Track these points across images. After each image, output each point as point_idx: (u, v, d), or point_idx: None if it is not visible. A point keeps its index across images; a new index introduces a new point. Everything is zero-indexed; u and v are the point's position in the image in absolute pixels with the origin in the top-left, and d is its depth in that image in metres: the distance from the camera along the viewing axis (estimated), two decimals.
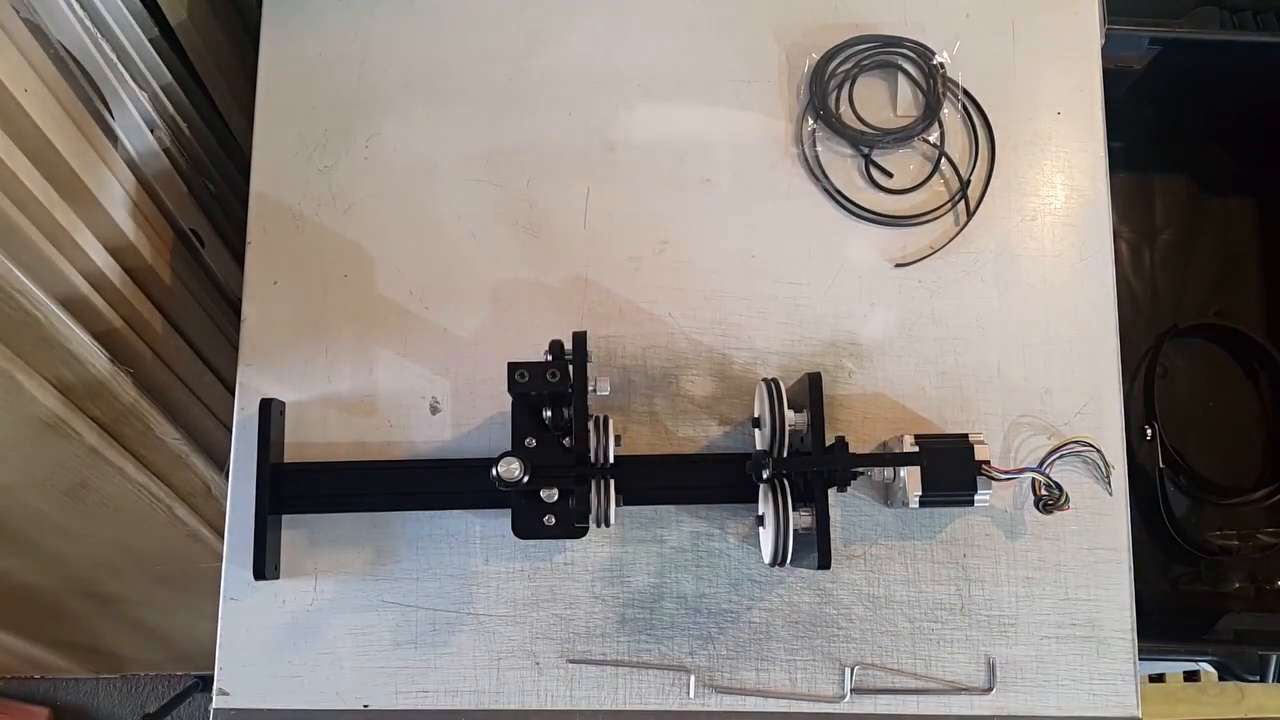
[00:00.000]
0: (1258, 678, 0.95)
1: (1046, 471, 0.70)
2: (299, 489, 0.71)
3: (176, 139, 0.83)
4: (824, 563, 0.63)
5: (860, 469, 0.65)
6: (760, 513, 0.65)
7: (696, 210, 0.77)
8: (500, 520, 0.72)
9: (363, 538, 0.72)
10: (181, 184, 0.84)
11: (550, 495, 0.64)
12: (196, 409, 0.91)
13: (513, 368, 0.63)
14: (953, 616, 0.72)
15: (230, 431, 0.74)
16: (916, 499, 0.67)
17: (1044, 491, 0.70)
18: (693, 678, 0.71)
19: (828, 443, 0.66)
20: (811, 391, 0.64)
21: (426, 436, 0.74)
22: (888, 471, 0.70)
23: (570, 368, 0.63)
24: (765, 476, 0.63)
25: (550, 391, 0.63)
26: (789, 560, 0.62)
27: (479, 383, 0.74)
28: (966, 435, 0.68)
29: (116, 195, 0.75)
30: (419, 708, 0.71)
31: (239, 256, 0.78)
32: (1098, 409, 0.75)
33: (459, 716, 0.71)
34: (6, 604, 1.04)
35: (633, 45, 0.80)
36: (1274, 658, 0.95)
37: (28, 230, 0.65)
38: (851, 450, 0.65)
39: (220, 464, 0.94)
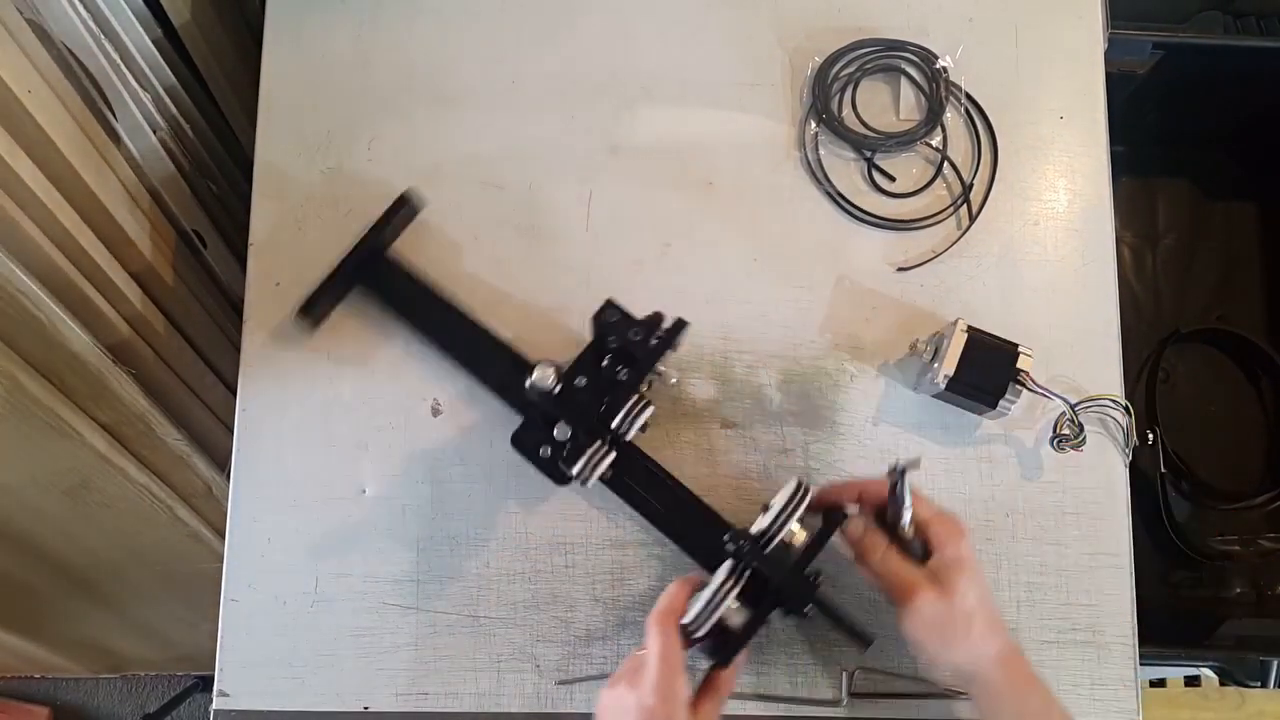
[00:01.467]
0: (1259, 683, 0.95)
1: (1077, 408, 0.70)
2: (381, 274, 0.73)
3: (179, 140, 0.83)
4: (724, 662, 0.61)
5: (814, 600, 0.62)
6: (707, 580, 0.62)
7: (699, 213, 0.77)
8: (500, 520, 0.72)
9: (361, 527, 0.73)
10: (184, 185, 0.85)
11: (563, 434, 0.64)
12: (198, 410, 0.91)
13: (609, 305, 0.64)
14: None
15: (231, 432, 0.74)
16: (945, 379, 0.68)
17: (1065, 430, 0.71)
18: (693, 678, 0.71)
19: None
20: (823, 526, 0.63)
21: (428, 437, 0.74)
22: (926, 351, 0.70)
23: (655, 341, 0.64)
24: (732, 551, 0.62)
25: (624, 344, 0.64)
26: (699, 635, 0.59)
27: (481, 385, 0.74)
28: (1017, 345, 0.69)
29: (119, 196, 0.75)
30: (419, 709, 0.71)
31: (241, 257, 0.78)
32: (1099, 413, 0.74)
33: (459, 718, 0.71)
34: (6, 604, 1.04)
35: (636, 48, 0.80)
36: (1275, 663, 0.95)
37: (30, 230, 0.65)
38: (821, 588, 0.62)
39: (222, 465, 0.94)
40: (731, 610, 0.60)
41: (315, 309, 0.71)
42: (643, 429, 0.66)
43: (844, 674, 0.71)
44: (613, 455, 0.65)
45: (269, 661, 0.71)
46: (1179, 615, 1.03)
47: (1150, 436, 1.05)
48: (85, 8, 0.69)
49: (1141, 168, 1.14)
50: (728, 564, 0.61)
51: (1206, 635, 0.94)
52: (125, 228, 0.75)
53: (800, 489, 0.62)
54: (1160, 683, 1.06)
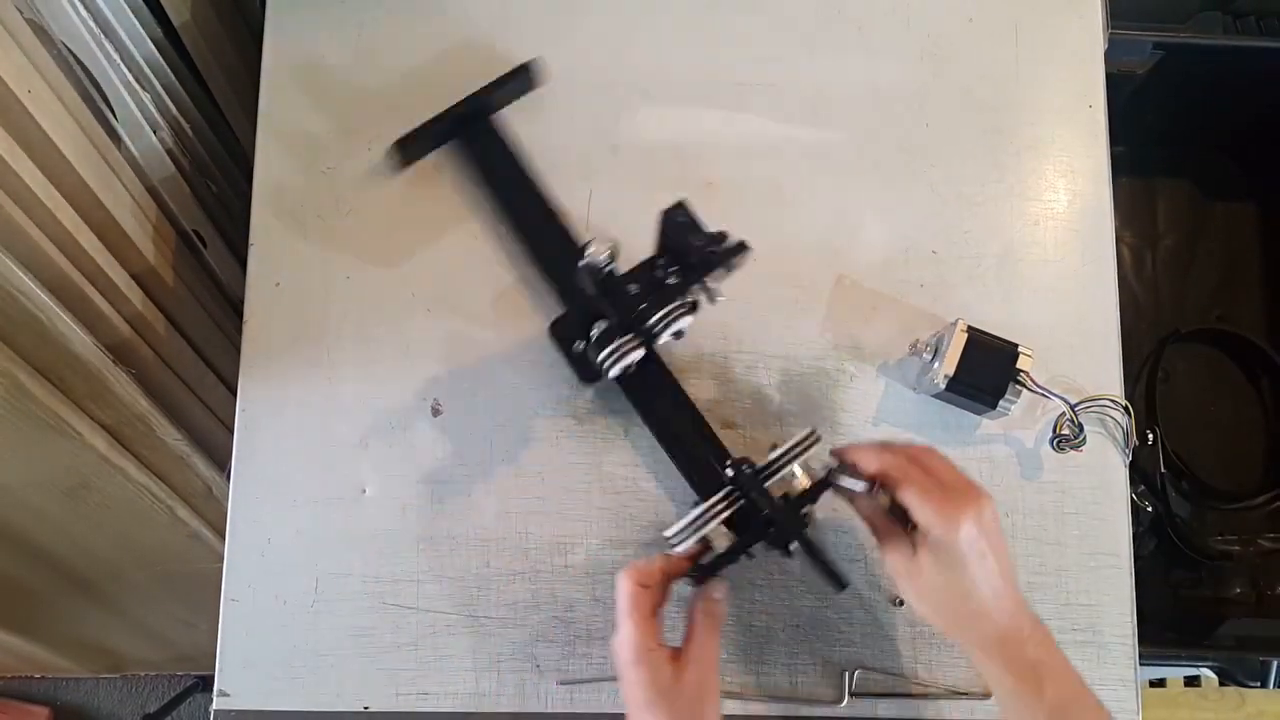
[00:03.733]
0: (1258, 683, 0.95)
1: (1076, 409, 0.70)
2: (483, 135, 0.75)
3: (179, 139, 0.83)
4: (700, 580, 0.61)
5: (800, 537, 0.62)
6: (699, 499, 0.63)
7: (698, 213, 0.77)
8: (499, 522, 0.73)
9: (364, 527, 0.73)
10: (184, 185, 0.84)
11: (600, 328, 0.64)
12: (198, 410, 0.91)
13: (679, 205, 0.63)
14: None
15: (231, 432, 0.74)
16: (945, 379, 0.68)
17: (1065, 431, 0.71)
18: None
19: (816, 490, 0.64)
20: (822, 482, 0.63)
21: (428, 437, 0.74)
22: (926, 351, 0.70)
23: (714, 255, 0.63)
24: (729, 477, 0.62)
25: (685, 248, 0.63)
26: (684, 546, 0.60)
27: (481, 385, 0.74)
28: (1017, 345, 0.69)
29: (119, 196, 0.75)
30: (419, 709, 0.71)
31: (241, 257, 0.78)
32: (1099, 413, 0.75)
33: (459, 718, 0.71)
34: (7, 604, 1.04)
35: (636, 48, 0.80)
36: (1275, 663, 0.95)
37: (30, 230, 0.65)
38: (812, 537, 0.62)
39: (222, 465, 0.94)
40: (718, 534, 0.61)
41: (410, 148, 0.71)
42: (676, 335, 0.66)
43: (844, 674, 0.71)
44: (640, 353, 0.64)
45: (269, 661, 0.71)
46: (1179, 615, 1.03)
47: (1150, 436, 1.05)
48: (85, 8, 0.69)
49: (1141, 168, 1.14)
50: (724, 490, 0.62)
51: (1206, 635, 0.94)
52: (125, 228, 0.75)
53: (810, 435, 0.63)
54: (1160, 683, 1.06)
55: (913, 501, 0.59)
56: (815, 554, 0.62)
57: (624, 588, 0.59)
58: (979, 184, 0.78)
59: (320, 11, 0.80)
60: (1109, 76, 0.80)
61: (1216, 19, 1.05)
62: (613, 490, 0.73)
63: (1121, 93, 0.98)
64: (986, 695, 0.71)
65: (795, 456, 0.62)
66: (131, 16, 0.74)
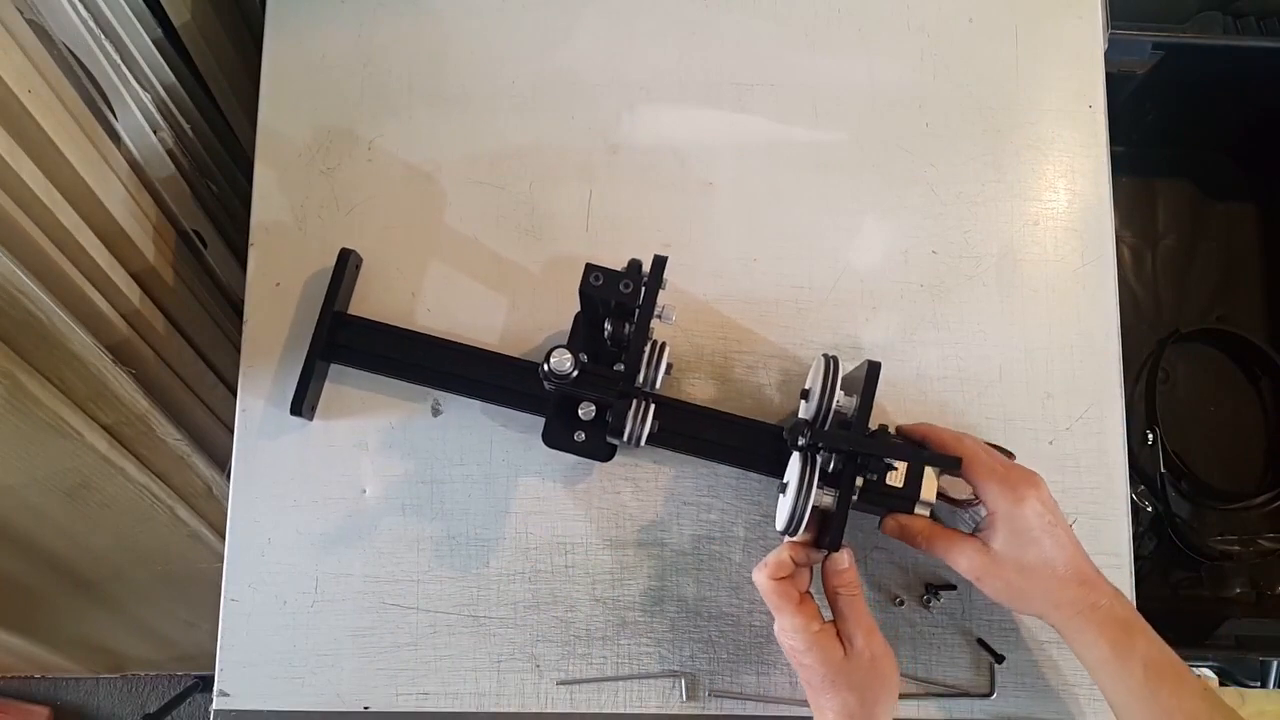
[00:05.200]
0: (1259, 683, 0.95)
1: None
2: (355, 340, 0.72)
3: (179, 140, 0.83)
4: (834, 544, 0.63)
5: (894, 460, 0.64)
6: (785, 480, 0.64)
7: (698, 213, 0.77)
8: (499, 522, 0.73)
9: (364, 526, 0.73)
10: (184, 185, 0.84)
11: (587, 412, 0.65)
12: (198, 410, 0.91)
13: (589, 269, 0.62)
14: (954, 621, 0.72)
15: (231, 432, 0.74)
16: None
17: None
18: (683, 682, 0.71)
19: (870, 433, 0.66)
20: (867, 378, 0.64)
21: (428, 437, 0.74)
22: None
23: (644, 287, 0.63)
24: (801, 444, 0.62)
25: (618, 302, 0.62)
26: (800, 531, 0.62)
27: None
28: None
29: (119, 196, 0.75)
30: (419, 709, 0.71)
31: (241, 258, 0.78)
32: (1099, 414, 0.75)
33: (459, 718, 0.71)
34: (6, 604, 1.04)
35: (635, 48, 0.80)
36: (1275, 663, 0.95)
37: (30, 231, 0.65)
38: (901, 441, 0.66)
39: (222, 465, 0.94)
40: (821, 495, 0.62)
41: (303, 403, 0.70)
42: (668, 371, 0.66)
43: None
44: (654, 407, 0.65)
45: (269, 661, 0.71)
46: (1179, 615, 1.03)
47: (1150, 436, 1.06)
48: (85, 8, 0.69)
49: (1141, 168, 1.14)
50: (795, 456, 0.63)
51: (1206, 635, 0.94)
52: (125, 227, 0.75)
53: (830, 362, 0.65)
54: None
55: (981, 481, 0.63)
56: (913, 454, 0.65)
57: (765, 585, 0.62)
58: (979, 184, 0.78)
59: (320, 11, 0.80)
60: (1109, 76, 0.80)
61: (1216, 19, 1.05)
62: (613, 490, 0.73)
63: (1121, 93, 0.98)
64: (987, 695, 0.71)
65: (832, 389, 0.64)
66: (131, 16, 0.74)
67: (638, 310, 0.63)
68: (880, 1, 0.81)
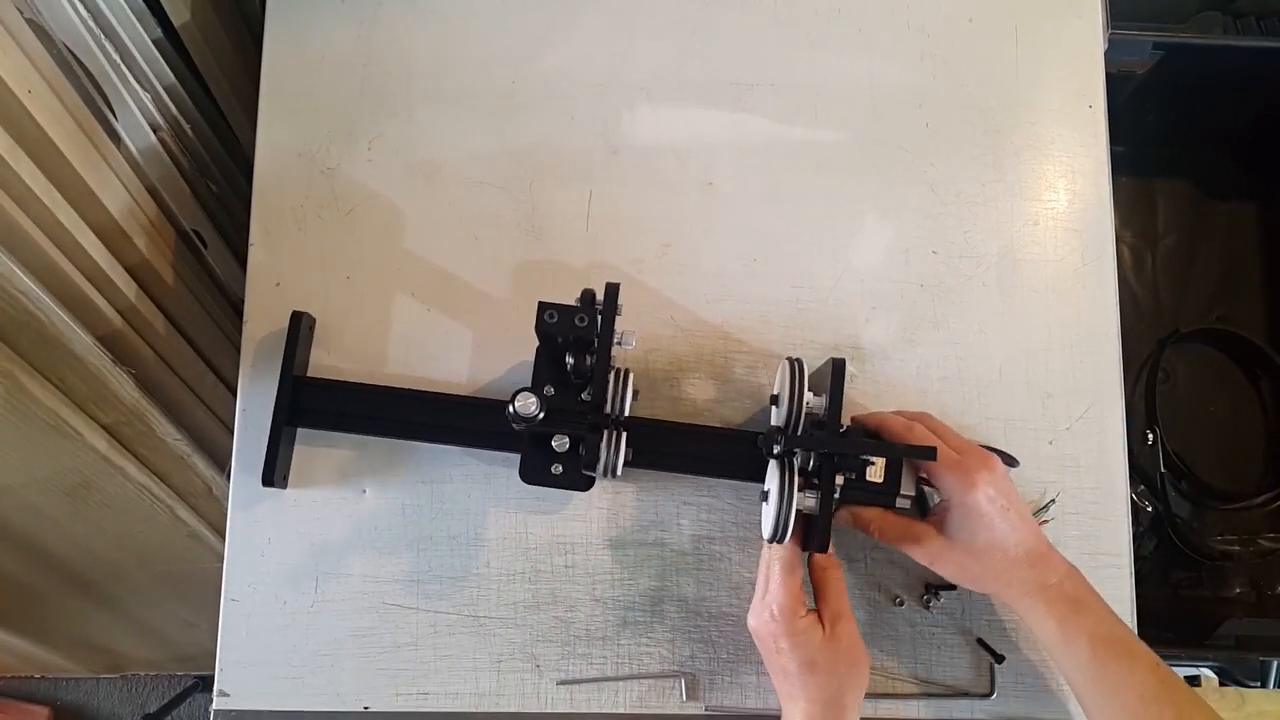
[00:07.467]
0: (1259, 683, 0.95)
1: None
2: (317, 403, 0.71)
3: (179, 140, 0.83)
4: (821, 545, 0.63)
5: (870, 456, 0.65)
6: (765, 488, 0.65)
7: (699, 213, 0.77)
8: (500, 520, 0.73)
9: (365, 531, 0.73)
10: (184, 185, 0.84)
11: (561, 444, 0.64)
12: (198, 410, 0.91)
13: (543, 307, 0.62)
14: (954, 621, 0.72)
15: (231, 432, 0.74)
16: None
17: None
18: (683, 682, 0.71)
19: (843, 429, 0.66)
20: (834, 376, 0.64)
21: None
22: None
23: (600, 317, 0.63)
24: (776, 452, 0.63)
25: (576, 336, 0.62)
26: (787, 538, 0.62)
27: (481, 385, 0.74)
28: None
29: (119, 196, 0.75)
30: (419, 709, 0.71)
31: (241, 257, 0.78)
32: (1099, 414, 0.75)
33: (459, 718, 0.71)
34: (6, 604, 1.04)
35: (636, 48, 0.80)
36: (1275, 663, 0.95)
37: (30, 230, 0.65)
38: (874, 442, 0.66)
39: (221, 464, 0.94)
40: (804, 499, 0.62)
41: (274, 474, 0.69)
42: (634, 397, 0.66)
43: None
44: (624, 435, 0.65)
45: (269, 661, 0.71)
46: (1179, 615, 1.03)
47: (1150, 436, 1.06)
48: (85, 8, 0.69)
49: (1142, 168, 1.14)
50: (773, 464, 0.63)
51: (1206, 635, 0.94)
52: (125, 228, 0.75)
53: (794, 362, 0.65)
54: None
55: (933, 468, 0.64)
56: (888, 449, 0.65)
57: (780, 554, 0.63)
58: (979, 184, 0.78)
59: (320, 11, 0.80)
60: (1109, 76, 0.81)
61: (1216, 19, 1.05)
62: (613, 490, 0.73)
63: (1121, 93, 0.98)
64: (987, 695, 0.71)
65: (800, 392, 0.64)
66: (131, 16, 0.74)
67: (597, 340, 0.63)
68: (880, 1, 0.81)
